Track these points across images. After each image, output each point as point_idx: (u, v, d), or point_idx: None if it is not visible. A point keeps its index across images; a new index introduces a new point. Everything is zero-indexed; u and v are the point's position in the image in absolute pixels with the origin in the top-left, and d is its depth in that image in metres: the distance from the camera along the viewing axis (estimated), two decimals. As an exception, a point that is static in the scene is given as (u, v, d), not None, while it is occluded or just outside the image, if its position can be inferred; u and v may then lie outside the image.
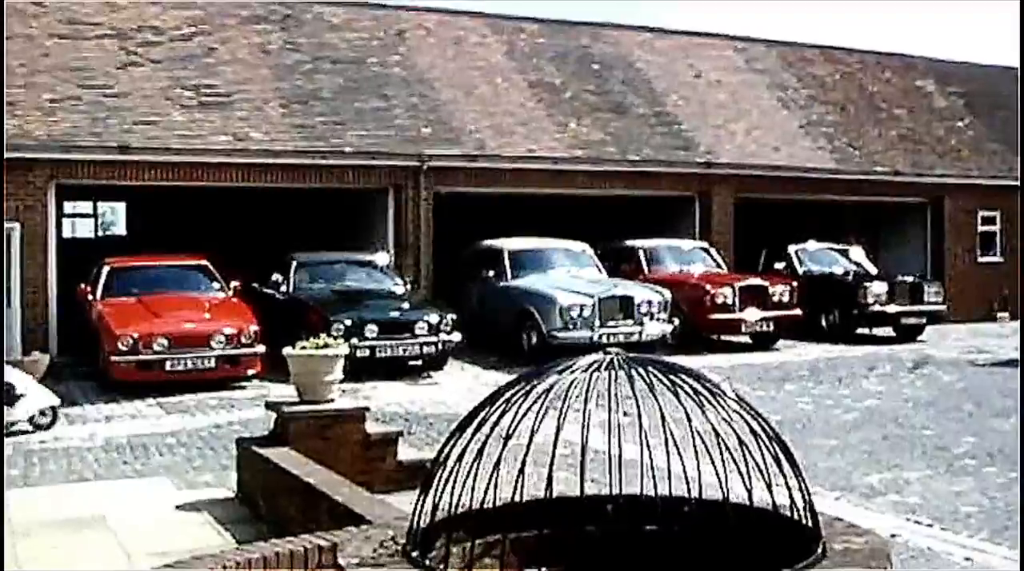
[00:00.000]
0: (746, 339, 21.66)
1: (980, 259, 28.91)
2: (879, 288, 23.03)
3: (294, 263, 19.48)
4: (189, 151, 19.90)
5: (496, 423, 3.86)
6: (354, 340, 16.44)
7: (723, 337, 21.77)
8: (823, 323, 23.14)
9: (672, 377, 3.86)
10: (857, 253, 25.39)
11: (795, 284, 22.17)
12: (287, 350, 9.61)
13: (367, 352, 17.09)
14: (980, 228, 28.97)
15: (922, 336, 23.53)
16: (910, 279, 23.90)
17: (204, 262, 18.71)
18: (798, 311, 21.68)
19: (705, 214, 25.09)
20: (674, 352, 18.91)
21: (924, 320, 23.48)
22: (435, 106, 23.54)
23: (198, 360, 16.03)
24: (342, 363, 9.58)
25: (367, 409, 9.76)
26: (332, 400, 9.49)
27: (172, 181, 20.12)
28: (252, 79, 22.35)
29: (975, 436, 12.54)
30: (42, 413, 13.33)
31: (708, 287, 21.03)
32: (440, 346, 17.73)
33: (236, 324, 16.48)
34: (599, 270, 21.16)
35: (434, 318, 17.75)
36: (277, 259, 19.84)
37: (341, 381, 9.65)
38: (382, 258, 20.59)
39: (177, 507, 9.08)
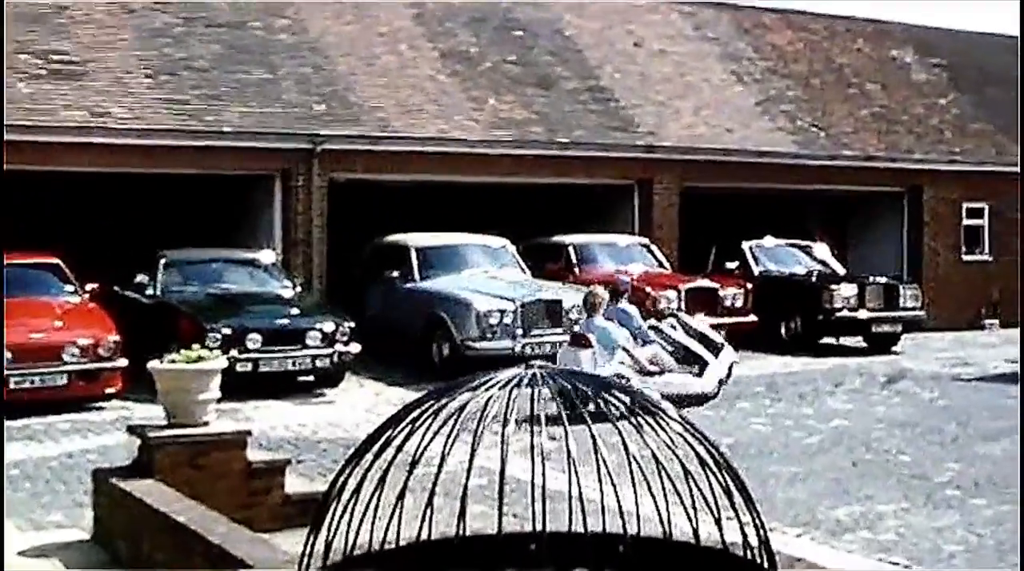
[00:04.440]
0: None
1: (965, 257, 29.40)
2: (847, 291, 23.32)
3: (163, 262, 19.31)
4: (36, 129, 19.64)
5: (400, 448, 3.86)
6: (234, 352, 16.34)
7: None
8: (782, 331, 23.41)
9: (606, 394, 3.89)
10: (822, 250, 25.73)
11: (750, 286, 22.42)
12: (153, 364, 9.49)
13: (249, 366, 17.01)
14: (965, 221, 29.43)
15: (897, 346, 23.85)
16: (883, 281, 24.24)
17: (55, 261, 18.40)
18: (753, 318, 21.90)
19: (645, 205, 25.28)
20: None
21: (900, 328, 23.82)
22: (330, 79, 23.45)
23: (47, 377, 15.78)
24: (219, 379, 9.48)
25: (249, 433, 9.67)
26: (207, 423, 9.38)
27: (15, 165, 19.77)
28: (112, 44, 22.11)
29: (959, 462, 12.70)
30: None
31: (648, 290, 21.15)
32: (335, 359, 17.66)
33: (93, 334, 16.26)
34: (522, 270, 21.20)
35: (328, 326, 17.67)
36: (142, 257, 19.62)
37: (218, 400, 9.54)
38: (267, 256, 20.48)
39: (20, 553, 8.92)
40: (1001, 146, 30.28)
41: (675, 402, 16.03)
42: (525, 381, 3.88)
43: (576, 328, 17.42)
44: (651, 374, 16.71)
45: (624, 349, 16.82)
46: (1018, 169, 29.10)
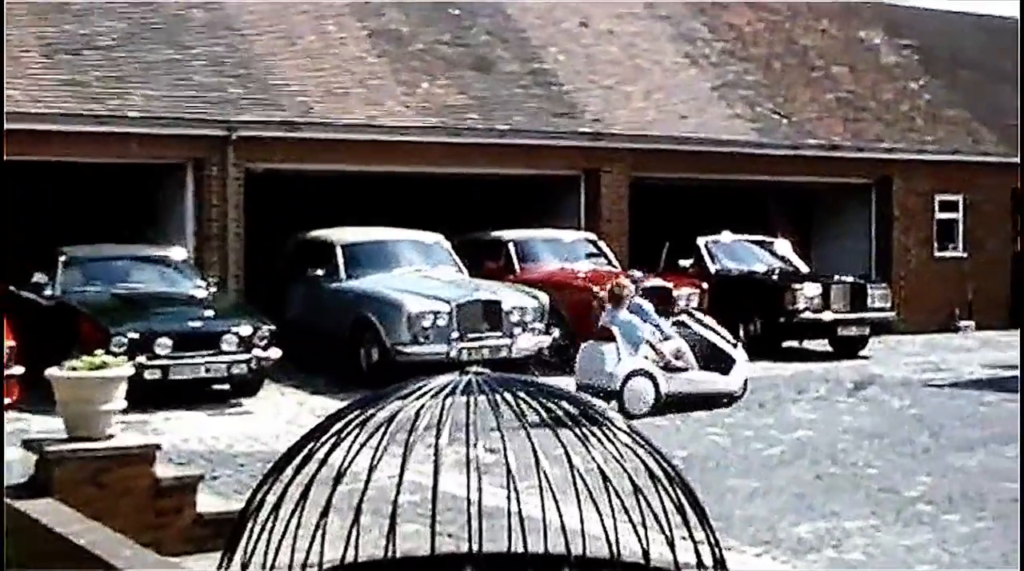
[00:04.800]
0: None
1: (937, 254, 29.63)
2: (811, 291, 23.51)
3: (63, 259, 19.16)
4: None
5: (324, 462, 3.85)
6: (141, 358, 16.27)
7: None
8: (741, 334, 23.17)
9: (548, 403, 3.91)
10: (783, 247, 25.94)
11: (705, 286, 22.54)
12: (52, 371, 9.41)
13: (158, 373, 16.95)
14: (938, 215, 29.64)
15: (865, 350, 24.05)
16: (850, 280, 24.46)
17: (-58, 258, 18.26)
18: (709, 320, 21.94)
19: (592, 198, 25.38)
20: (553, 371, 19.02)
21: (867, 330, 24.07)
22: (247, 59, 23.35)
23: (-67, 386, 15.61)
24: (124, 388, 9.41)
25: (158, 447, 9.62)
26: (111, 436, 9.31)
27: None
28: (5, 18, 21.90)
29: (931, 476, 12.81)
30: None
31: (596, 290, 21.11)
32: (253, 365, 17.61)
33: (-16, 339, 16.09)
34: (458, 268, 21.23)
35: (246, 329, 17.61)
36: (41, 254, 19.46)
37: (123, 411, 9.48)
38: (178, 253, 20.37)
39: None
40: (976, 134, 30.58)
41: (701, 400, 16.50)
42: (460, 388, 3.89)
43: (600, 321, 17.80)
44: (676, 370, 17.26)
45: (649, 344, 17.32)
46: (994, 159, 29.51)
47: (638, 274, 19.63)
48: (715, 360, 17.94)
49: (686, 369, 17.51)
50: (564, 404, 3.92)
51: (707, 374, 17.73)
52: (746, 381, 17.99)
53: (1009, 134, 30.31)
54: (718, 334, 18.44)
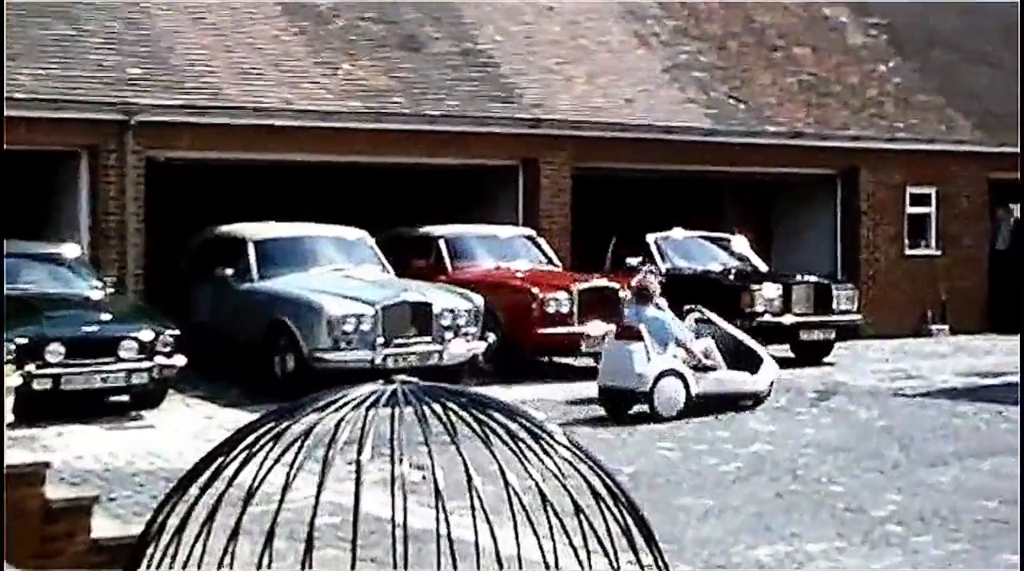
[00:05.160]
0: (589, 362, 21.77)
1: (909, 252, 29.82)
2: (771, 292, 23.63)
3: (-59, 257, 18.97)
4: None
5: (233, 480, 3.83)
6: (30, 366, 16.08)
7: (557, 359, 22.23)
8: None
9: (481, 415, 3.90)
10: (741, 244, 26.07)
11: (656, 287, 22.55)
12: (-72, 382, 9.31)
13: (49, 383, 16.77)
14: (909, 209, 29.81)
15: (830, 357, 24.14)
16: (813, 280, 24.59)
17: None
18: None
19: (532, 190, 25.42)
20: (488, 380, 19.22)
21: (833, 335, 24.22)
22: (148, 36, 23.24)
23: None
24: (11, 400, 9.34)
25: (47, 465, 9.53)
26: (-4, 453, 9.24)
27: None
28: None
29: (901, 493, 12.90)
30: None
31: (536, 291, 21.28)
32: (155, 374, 17.49)
33: None
34: (383, 268, 21.23)
35: (147, 334, 17.50)
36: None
37: (10, 426, 9.41)
38: (71, 250, 20.20)
39: None
40: (950, 121, 30.79)
41: (730, 401, 17.07)
42: (385, 399, 3.87)
43: (625, 319, 18.26)
44: (706, 370, 17.81)
45: (679, 342, 17.83)
46: (971, 147, 29.78)
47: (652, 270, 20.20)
48: (741, 359, 18.52)
49: (715, 369, 18.07)
50: (499, 416, 3.90)
51: (736, 374, 18.32)
52: (772, 382, 18.57)
53: (987, 120, 30.59)
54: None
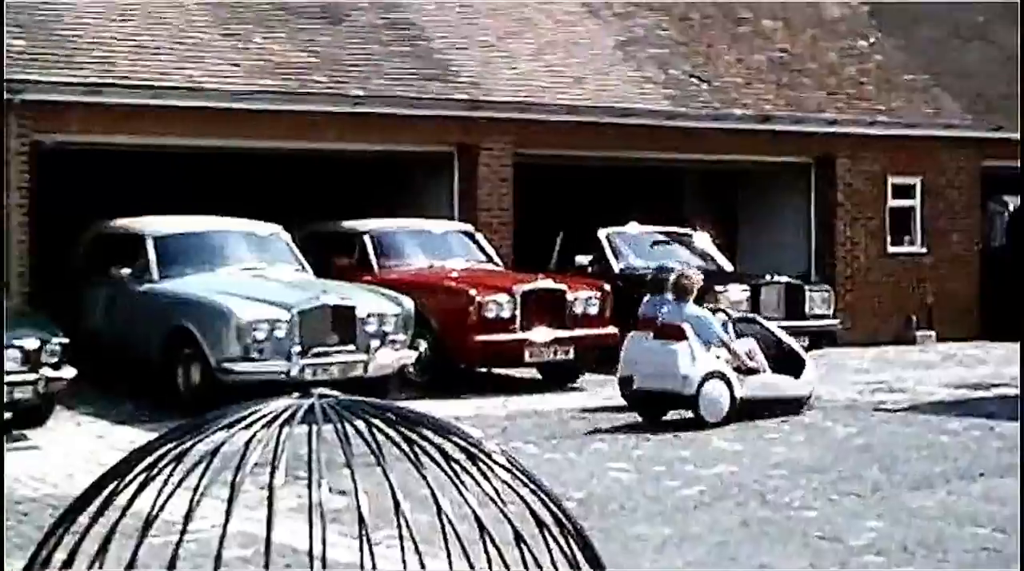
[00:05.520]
0: (533, 373, 22.12)
1: (891, 249, 29.98)
2: (737, 294, 23.82)
3: None
4: None
5: (128, 507, 3.81)
6: None
7: (497, 370, 22.29)
8: None
9: (411, 433, 3.87)
10: (703, 240, 26.28)
11: (608, 288, 22.55)
12: None
13: (-83, 399, 16.69)
14: (891, 202, 29.99)
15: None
16: (784, 280, 24.80)
17: None
18: (613, 329, 21.99)
19: (469, 180, 25.44)
20: (419, 394, 19.38)
21: (806, 343, 23.86)
22: (34, 6, 23.12)
23: None
24: None
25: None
26: None
27: None
28: None
29: (882, 520, 12.86)
30: None
31: (473, 293, 21.25)
32: (41, 387, 17.31)
33: None
34: (301, 267, 21.20)
35: (31, 342, 17.34)
36: None
37: None
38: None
39: None
40: (938, 102, 30.98)
41: (773, 406, 17.55)
42: (301, 415, 3.83)
43: (661, 317, 18.61)
44: (749, 372, 18.34)
45: (722, 342, 18.33)
46: (960, 133, 29.96)
47: (672, 266, 20.63)
48: (781, 361, 19.11)
49: (759, 371, 18.59)
50: (431, 435, 3.86)
51: (780, 377, 18.94)
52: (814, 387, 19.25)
53: (979, 102, 30.78)
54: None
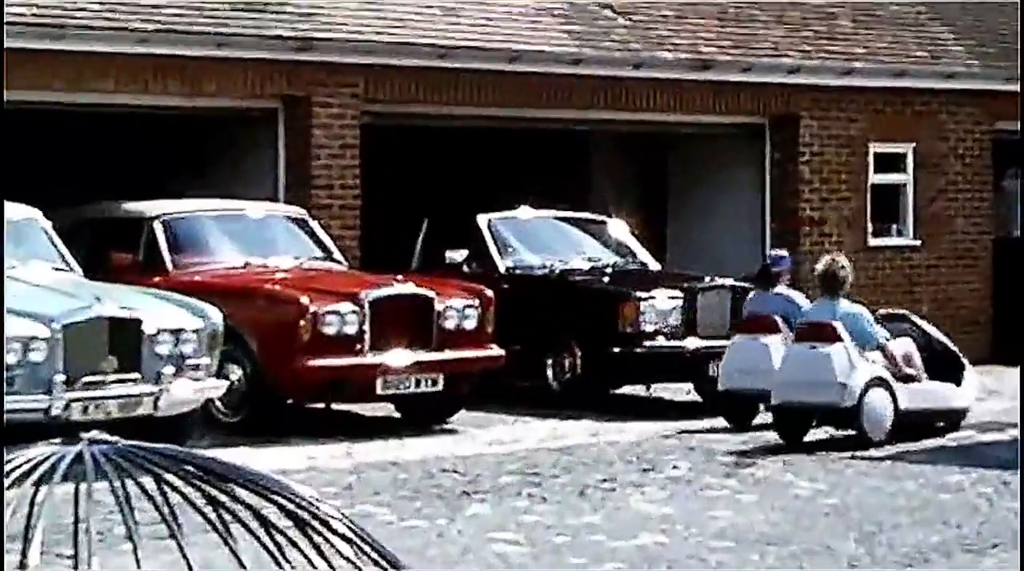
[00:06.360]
0: (388, 410, 22.27)
1: (873, 241, 30.41)
2: (665, 302, 23.86)
3: None
4: None
5: None
6: None
7: (338, 406, 22.34)
8: (549, 374, 23.86)
9: (218, 492, 3.87)
10: (619, 229, 26.48)
11: (490, 294, 22.62)
12: None
13: None
14: (873, 177, 30.38)
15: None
16: (730, 283, 24.80)
17: None
18: (496, 350, 22.21)
19: (300, 146, 25.49)
20: (232, 438, 19.49)
21: None
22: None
23: None
24: None
25: None
26: None
27: None
28: None
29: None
30: None
31: (305, 301, 21.24)
32: None
33: None
34: (66, 264, 21.11)
35: None
36: None
37: None
38: None
39: None
40: (936, 43, 31.22)
41: (932, 419, 20.54)
42: (64, 468, 3.76)
43: (810, 317, 19.80)
44: (907, 379, 19.45)
45: (879, 345, 19.42)
46: (966, 84, 30.17)
47: (782, 254, 22.69)
48: (937, 365, 20.24)
49: (917, 378, 19.74)
50: (246, 494, 3.85)
51: (940, 385, 20.21)
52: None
53: (989, 45, 30.99)
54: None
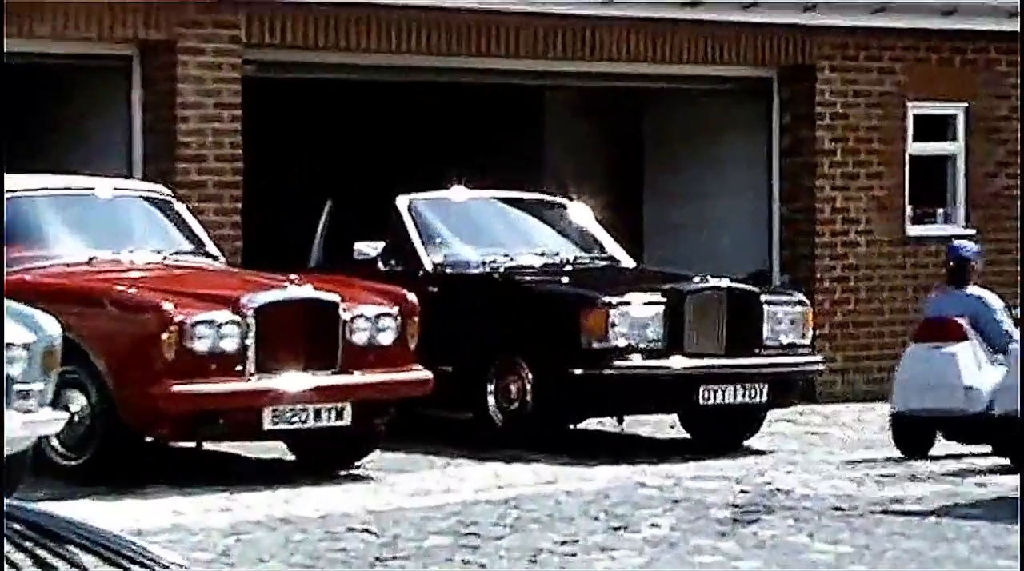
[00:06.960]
0: (280, 450, 22.06)
1: (911, 229, 30.44)
2: (641, 309, 23.66)
3: None
4: None
5: None
6: None
7: (212, 446, 22.12)
8: (490, 403, 23.73)
9: (51, 555, 4.00)
10: (581, 214, 26.25)
11: (413, 298, 22.35)
12: None
13: None
14: (912, 146, 30.36)
15: (758, 436, 24.47)
16: (725, 284, 24.59)
17: None
18: (422, 372, 21.96)
19: (162, 104, 25.37)
20: (72, 487, 19.76)
21: (763, 393, 24.15)
22: None
23: None
24: None
25: None
26: None
27: None
28: None
29: None
30: None
31: (169, 308, 20.88)
32: None
33: None
34: None
35: None
36: None
37: None
38: None
39: None
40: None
41: None
42: None
43: (931, 311, 21.12)
44: None
45: (1011, 340, 20.91)
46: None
47: (969, 247, 23.04)
48: None
49: None
50: (88, 558, 3.96)
51: None
52: None
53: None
54: None
